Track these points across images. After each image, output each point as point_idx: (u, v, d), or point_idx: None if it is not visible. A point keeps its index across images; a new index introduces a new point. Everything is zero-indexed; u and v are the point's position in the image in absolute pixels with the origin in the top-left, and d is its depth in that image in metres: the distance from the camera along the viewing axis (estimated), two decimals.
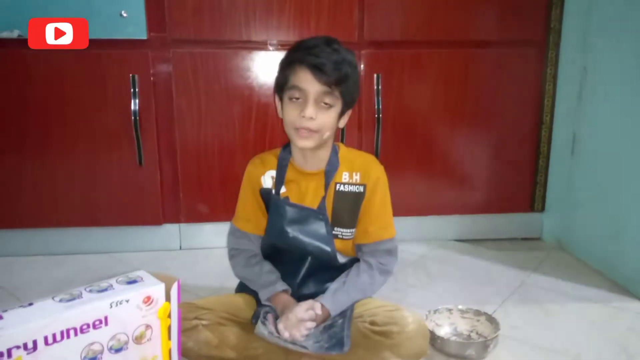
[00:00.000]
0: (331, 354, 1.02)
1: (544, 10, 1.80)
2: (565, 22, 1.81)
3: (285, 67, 1.11)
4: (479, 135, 1.87)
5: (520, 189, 1.95)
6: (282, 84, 1.12)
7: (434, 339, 1.19)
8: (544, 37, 1.82)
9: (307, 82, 1.06)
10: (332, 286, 1.14)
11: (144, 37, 1.65)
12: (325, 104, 1.08)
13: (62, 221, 1.77)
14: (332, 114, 1.10)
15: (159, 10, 1.64)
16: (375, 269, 1.17)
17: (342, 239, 1.18)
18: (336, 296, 1.12)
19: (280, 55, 1.16)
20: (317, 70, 1.05)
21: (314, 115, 1.06)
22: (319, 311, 1.07)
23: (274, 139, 1.76)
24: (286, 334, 1.04)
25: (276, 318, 1.10)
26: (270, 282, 1.15)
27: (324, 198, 1.16)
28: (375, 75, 1.75)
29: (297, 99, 1.08)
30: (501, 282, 1.62)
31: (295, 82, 1.07)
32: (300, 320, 1.05)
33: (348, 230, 1.18)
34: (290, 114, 1.09)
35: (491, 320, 1.26)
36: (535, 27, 1.81)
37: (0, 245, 1.78)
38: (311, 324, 1.05)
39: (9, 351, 0.70)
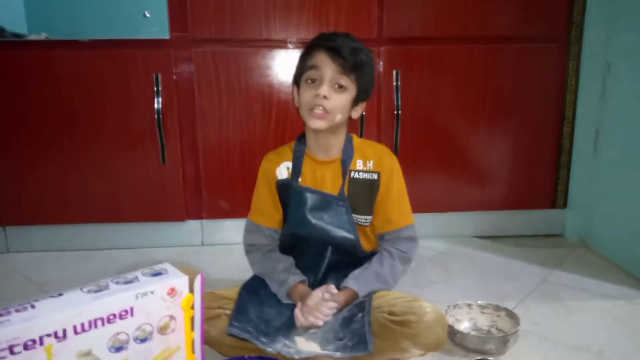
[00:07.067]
0: (357, 355, 1.01)
1: (566, 3, 1.77)
2: (588, 16, 1.78)
3: (304, 54, 1.17)
4: (499, 130, 1.86)
5: (541, 185, 1.93)
6: (300, 69, 1.18)
7: (453, 333, 1.19)
8: (566, 32, 1.80)
9: (324, 62, 1.12)
10: (354, 272, 1.17)
11: (166, 36, 1.68)
12: (340, 86, 1.12)
13: (88, 217, 1.82)
14: (346, 97, 1.14)
15: (181, 11, 1.67)
16: (396, 258, 1.19)
17: (358, 224, 1.21)
18: (359, 279, 1.15)
19: (300, 53, 1.19)
20: (334, 52, 1.11)
21: (328, 94, 1.11)
22: (334, 290, 1.09)
23: (293, 136, 1.74)
24: (301, 319, 1.07)
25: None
26: (283, 281, 1.17)
27: (342, 186, 1.18)
28: (394, 72, 1.75)
29: (313, 80, 1.13)
30: (522, 278, 1.61)
31: (312, 62, 1.13)
32: (320, 301, 1.07)
33: (363, 217, 1.21)
34: (305, 95, 1.14)
35: (511, 315, 1.26)
36: (556, 21, 1.79)
37: (30, 240, 1.84)
38: (333, 304, 1.08)
39: (41, 339, 0.74)
